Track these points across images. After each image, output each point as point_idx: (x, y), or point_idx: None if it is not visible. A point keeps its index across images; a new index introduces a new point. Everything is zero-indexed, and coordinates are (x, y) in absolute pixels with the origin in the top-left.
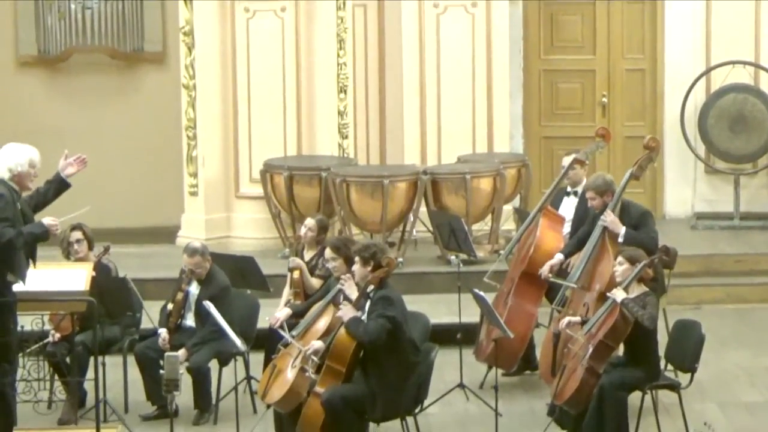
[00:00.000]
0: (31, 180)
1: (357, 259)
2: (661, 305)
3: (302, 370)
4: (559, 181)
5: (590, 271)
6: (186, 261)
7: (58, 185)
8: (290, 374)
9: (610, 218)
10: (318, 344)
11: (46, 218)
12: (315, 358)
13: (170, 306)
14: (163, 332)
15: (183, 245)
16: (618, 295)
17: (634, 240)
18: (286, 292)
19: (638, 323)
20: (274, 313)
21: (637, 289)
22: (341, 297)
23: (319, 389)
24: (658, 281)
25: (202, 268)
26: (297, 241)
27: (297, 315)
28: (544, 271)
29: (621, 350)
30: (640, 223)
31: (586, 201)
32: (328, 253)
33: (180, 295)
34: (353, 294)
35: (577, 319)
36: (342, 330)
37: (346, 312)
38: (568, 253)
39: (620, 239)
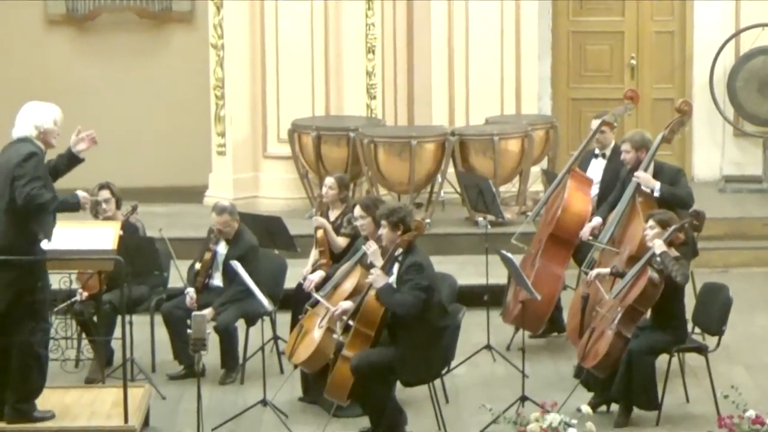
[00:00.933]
0: (55, 137)
1: (384, 223)
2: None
3: (329, 330)
4: (587, 143)
5: (620, 234)
6: (214, 220)
7: (70, 160)
8: (317, 334)
9: (643, 175)
10: (347, 305)
11: (80, 191)
12: (345, 318)
13: (198, 265)
14: (190, 291)
15: (210, 205)
16: (657, 246)
17: (670, 194)
18: (314, 252)
19: (668, 284)
20: (307, 276)
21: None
22: (368, 258)
23: (347, 353)
24: (688, 245)
25: (230, 227)
26: (319, 201)
27: (330, 279)
28: (585, 233)
29: (648, 313)
30: (674, 182)
31: (614, 163)
32: (357, 211)
33: (208, 255)
34: (378, 261)
35: (606, 270)
36: (371, 294)
37: (378, 279)
38: (606, 216)
39: (656, 194)
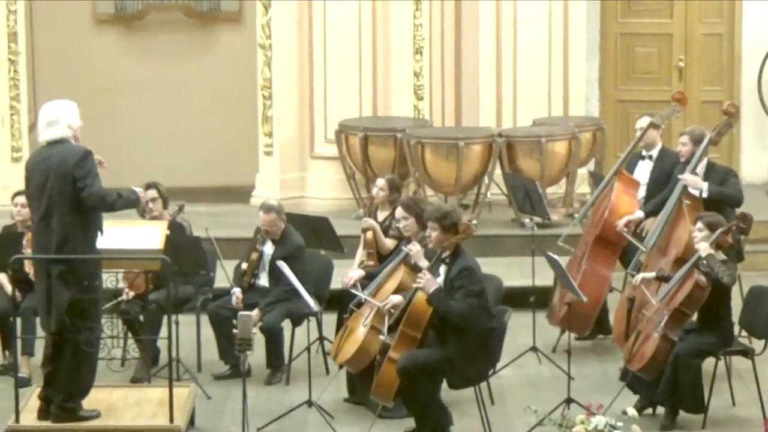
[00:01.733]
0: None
1: (435, 225)
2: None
3: (373, 329)
4: (635, 145)
5: (666, 236)
6: (262, 218)
7: None
8: (361, 332)
9: (689, 177)
10: (396, 299)
11: (136, 187)
12: (393, 311)
13: (244, 265)
14: (236, 291)
15: (257, 205)
16: (703, 249)
17: (718, 193)
18: (360, 252)
19: (715, 287)
20: (347, 273)
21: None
22: (411, 258)
23: (393, 354)
24: (734, 248)
25: (277, 226)
26: (370, 202)
27: (371, 278)
28: (620, 223)
29: (695, 316)
30: (723, 181)
31: (661, 164)
32: (399, 212)
33: (254, 255)
34: (422, 262)
35: (651, 274)
36: (419, 296)
37: (428, 284)
38: (650, 212)
39: (704, 194)
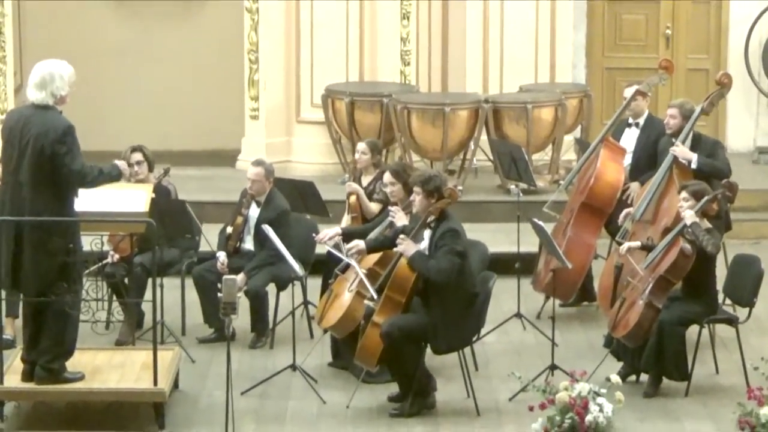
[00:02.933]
0: (69, 96)
1: (419, 190)
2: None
3: (359, 294)
4: (621, 112)
5: (656, 206)
6: (249, 172)
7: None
8: (346, 298)
9: (680, 148)
10: (360, 243)
11: (119, 161)
12: (371, 285)
13: (229, 229)
14: (221, 255)
15: (243, 169)
16: (689, 217)
17: (707, 166)
18: (346, 217)
19: (699, 255)
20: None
21: (701, 225)
22: (393, 219)
23: (378, 319)
24: (721, 217)
25: (261, 183)
26: (354, 167)
27: (348, 236)
28: (621, 218)
29: (679, 284)
30: (712, 154)
31: (648, 132)
32: (387, 177)
33: (239, 219)
34: (400, 222)
35: (637, 243)
36: (402, 261)
37: (407, 247)
38: (644, 182)
39: (693, 165)
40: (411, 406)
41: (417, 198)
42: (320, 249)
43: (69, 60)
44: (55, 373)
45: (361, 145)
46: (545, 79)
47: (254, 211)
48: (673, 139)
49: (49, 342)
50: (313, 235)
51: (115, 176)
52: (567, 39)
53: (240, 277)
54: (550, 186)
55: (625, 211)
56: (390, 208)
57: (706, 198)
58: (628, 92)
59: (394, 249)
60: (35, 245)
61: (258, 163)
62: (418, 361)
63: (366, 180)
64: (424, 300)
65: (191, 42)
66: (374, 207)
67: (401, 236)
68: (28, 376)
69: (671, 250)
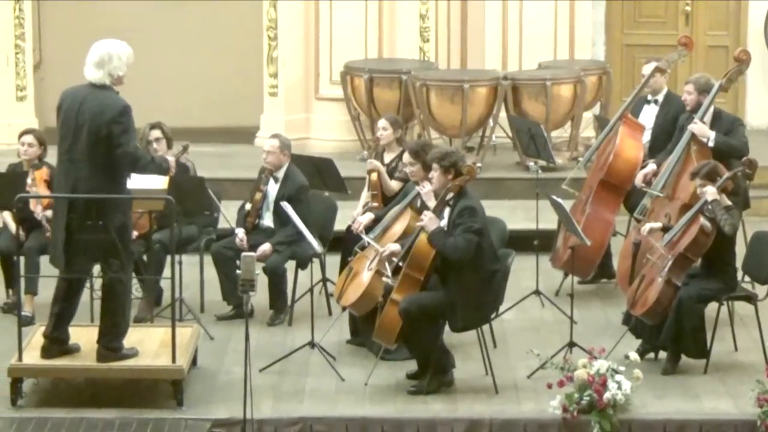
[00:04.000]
0: (124, 77)
1: (436, 167)
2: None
3: (378, 273)
4: (640, 89)
5: (674, 182)
6: (265, 145)
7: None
8: (366, 276)
9: (698, 126)
10: (395, 247)
11: (170, 157)
12: (394, 260)
13: (248, 206)
14: (240, 232)
15: (261, 146)
16: (710, 194)
17: (724, 144)
18: (365, 194)
19: (719, 233)
20: (356, 218)
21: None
22: (418, 201)
23: (396, 297)
24: (740, 194)
25: (277, 156)
26: (376, 144)
27: (379, 221)
28: (638, 180)
29: (698, 261)
30: (730, 131)
31: (667, 109)
32: (406, 157)
33: (258, 195)
34: (431, 202)
35: (658, 225)
36: (422, 237)
37: (429, 222)
38: (660, 163)
39: (710, 143)
40: (429, 383)
41: (435, 174)
42: (339, 226)
43: (87, 38)
44: (115, 351)
45: (382, 122)
46: (564, 56)
47: (273, 188)
48: (694, 116)
49: (109, 321)
50: (350, 223)
51: (164, 169)
52: (586, 16)
53: (267, 247)
54: (569, 163)
55: (641, 172)
56: (422, 184)
57: (726, 176)
58: (647, 69)
59: (417, 223)
60: (91, 220)
61: (274, 135)
62: (437, 338)
63: (388, 157)
64: (442, 277)
65: (210, 19)
66: (395, 185)
67: (425, 211)
68: (48, 353)
69: (691, 227)
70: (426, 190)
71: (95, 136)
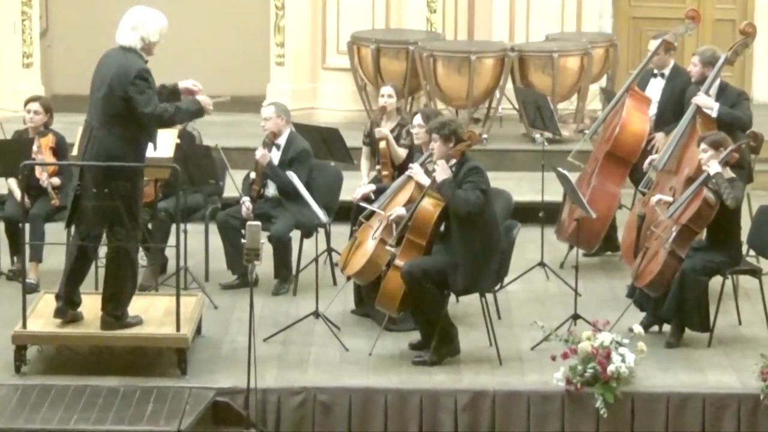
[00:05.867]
0: (156, 48)
1: (436, 137)
2: (745, 191)
3: (382, 241)
4: (647, 62)
5: (679, 155)
6: (263, 113)
7: (171, 95)
8: (370, 245)
9: (701, 98)
10: (401, 210)
11: (202, 96)
12: (397, 225)
13: (253, 175)
14: (246, 200)
15: None
16: (713, 167)
17: (728, 115)
18: (364, 164)
19: (723, 205)
20: (357, 187)
21: (724, 174)
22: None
23: (399, 262)
24: (745, 168)
25: (274, 121)
26: (382, 112)
27: (381, 192)
28: (646, 165)
29: (703, 235)
30: (735, 104)
31: (673, 82)
32: (417, 119)
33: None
34: (422, 179)
35: (669, 198)
36: (423, 203)
37: (441, 172)
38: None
39: (714, 114)
40: (433, 353)
41: (435, 145)
42: (344, 196)
43: (94, 5)
44: (119, 319)
45: (387, 89)
46: (571, 28)
47: (275, 155)
48: (699, 88)
49: (112, 289)
50: (353, 196)
51: (195, 111)
52: None
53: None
54: (575, 135)
55: (650, 158)
56: (411, 165)
57: (730, 148)
58: (653, 43)
59: (430, 168)
60: (97, 186)
61: (270, 103)
62: (441, 305)
63: (388, 126)
64: (446, 241)
65: None
66: (402, 152)
67: (437, 162)
68: (60, 313)
69: (695, 199)
70: (416, 169)
71: (113, 96)
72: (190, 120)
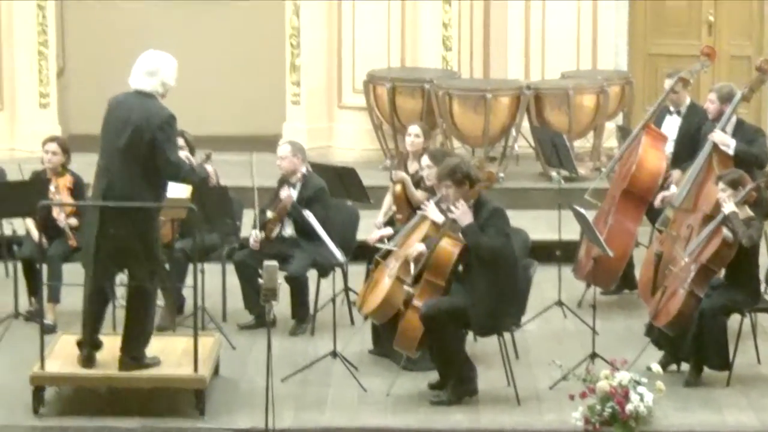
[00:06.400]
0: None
1: (449, 183)
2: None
3: (399, 280)
4: (663, 99)
5: (695, 193)
6: (279, 152)
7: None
8: (386, 283)
9: (718, 135)
10: (421, 247)
11: (209, 165)
12: (416, 263)
13: (270, 213)
14: (255, 232)
15: None
16: (728, 207)
17: (745, 152)
18: (387, 201)
19: (742, 244)
20: (374, 223)
21: (742, 213)
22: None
23: (417, 303)
24: (762, 206)
25: (290, 160)
26: (406, 154)
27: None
28: (657, 201)
29: (721, 273)
30: (751, 141)
31: (689, 119)
32: (424, 160)
33: (281, 205)
34: (437, 217)
35: (674, 190)
36: (442, 243)
37: (463, 216)
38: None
39: (731, 151)
40: (452, 393)
41: (450, 192)
42: (362, 235)
43: (110, 45)
44: (139, 360)
45: (415, 128)
46: (587, 66)
47: (292, 194)
48: (716, 125)
49: (132, 330)
50: (368, 240)
51: (204, 178)
52: (609, 25)
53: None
54: (592, 173)
55: (662, 194)
56: (424, 202)
57: (748, 188)
58: (668, 83)
59: (449, 215)
60: (117, 228)
61: (286, 142)
62: (459, 345)
63: (413, 166)
64: (464, 281)
65: (232, 26)
66: (420, 195)
67: (459, 203)
68: (89, 361)
69: (714, 239)
70: (429, 206)
71: (138, 141)
72: (192, 183)
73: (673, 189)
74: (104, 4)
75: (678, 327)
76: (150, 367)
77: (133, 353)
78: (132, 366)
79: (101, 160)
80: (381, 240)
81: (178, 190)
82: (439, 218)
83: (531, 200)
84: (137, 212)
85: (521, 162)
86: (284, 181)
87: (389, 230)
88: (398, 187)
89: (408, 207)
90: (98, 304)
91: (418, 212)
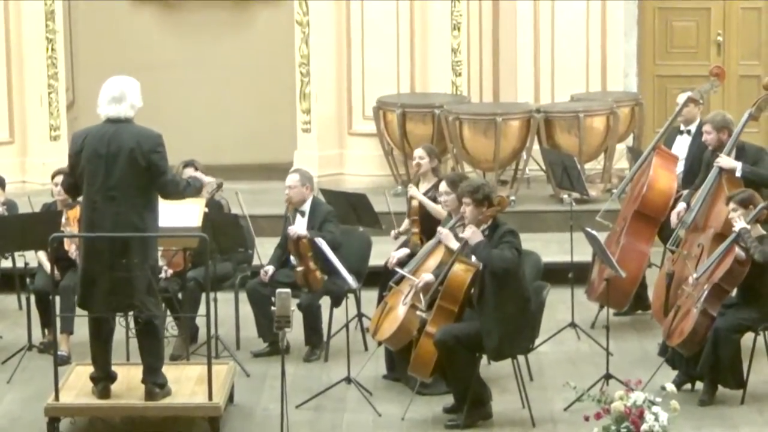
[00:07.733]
0: None
1: (468, 200)
2: None
3: (413, 307)
4: (673, 119)
5: (706, 213)
6: (288, 180)
7: None
8: (401, 311)
9: (724, 160)
10: (429, 277)
11: (200, 173)
12: (428, 293)
13: (293, 260)
14: (267, 268)
15: None
16: (739, 224)
17: (752, 173)
18: (405, 222)
19: (754, 263)
20: (388, 251)
21: (754, 232)
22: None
23: (431, 329)
24: None
25: (299, 190)
26: (415, 173)
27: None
28: (674, 220)
29: (734, 291)
30: (757, 160)
31: (700, 140)
32: (442, 186)
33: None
34: (452, 243)
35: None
36: (455, 269)
37: (473, 235)
38: (689, 201)
39: (738, 173)
40: (467, 416)
41: (468, 209)
42: (374, 261)
43: (120, 75)
44: (164, 387)
45: (419, 151)
46: (597, 88)
47: (301, 223)
48: (717, 153)
49: (151, 359)
50: (389, 263)
51: (199, 188)
52: (618, 47)
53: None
54: (603, 195)
55: (677, 209)
56: (439, 229)
57: (760, 207)
58: (681, 99)
59: (460, 235)
60: (128, 258)
61: (294, 170)
62: (473, 369)
63: (424, 186)
64: (478, 307)
65: (242, 55)
66: (439, 208)
67: (468, 225)
68: (106, 392)
69: (726, 258)
70: (444, 233)
71: (134, 168)
72: (192, 196)
73: (681, 205)
74: (114, 36)
75: (692, 346)
76: (170, 394)
77: (158, 381)
78: (159, 394)
79: (94, 195)
80: (399, 264)
81: (189, 219)
82: (455, 245)
83: (543, 223)
84: (145, 242)
85: (532, 185)
86: (288, 217)
87: (406, 250)
88: (414, 202)
89: (425, 221)
90: (106, 334)
91: (434, 237)
